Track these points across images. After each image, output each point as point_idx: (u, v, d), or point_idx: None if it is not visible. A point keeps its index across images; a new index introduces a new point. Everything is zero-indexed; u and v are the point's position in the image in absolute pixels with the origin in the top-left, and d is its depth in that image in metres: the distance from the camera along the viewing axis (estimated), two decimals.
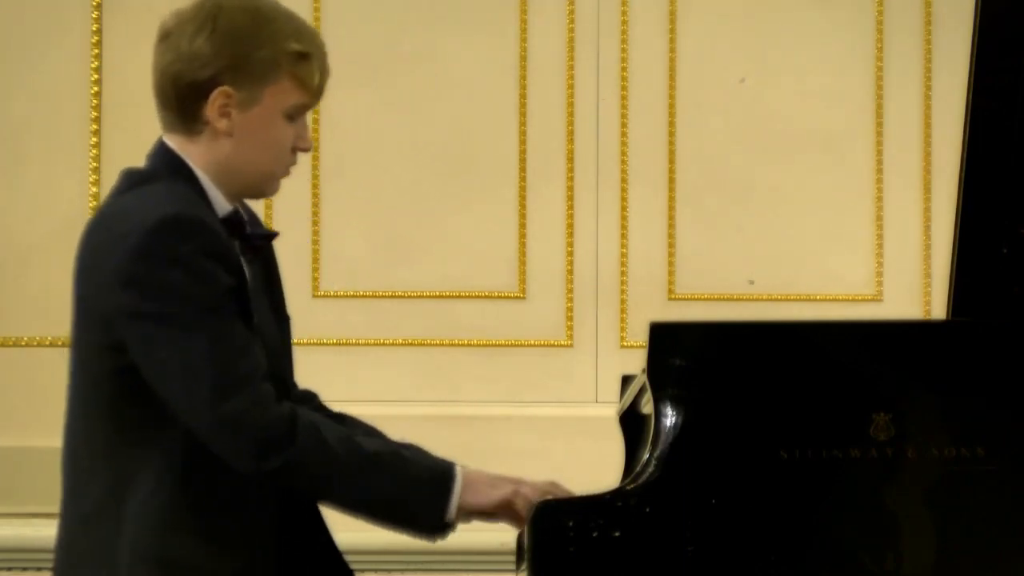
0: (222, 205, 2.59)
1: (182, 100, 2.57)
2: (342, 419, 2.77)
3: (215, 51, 2.54)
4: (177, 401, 2.45)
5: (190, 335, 2.44)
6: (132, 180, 2.59)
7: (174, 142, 2.59)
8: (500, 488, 2.60)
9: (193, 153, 2.58)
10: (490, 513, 2.60)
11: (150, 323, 2.44)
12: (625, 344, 5.96)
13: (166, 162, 2.58)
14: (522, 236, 5.98)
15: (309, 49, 2.60)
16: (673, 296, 6.03)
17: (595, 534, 2.56)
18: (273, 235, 2.72)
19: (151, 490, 2.48)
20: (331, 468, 2.50)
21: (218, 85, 2.54)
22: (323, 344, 5.83)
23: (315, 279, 5.91)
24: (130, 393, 2.48)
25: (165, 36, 2.58)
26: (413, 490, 2.54)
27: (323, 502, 2.60)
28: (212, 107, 2.55)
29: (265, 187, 2.65)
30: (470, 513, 2.58)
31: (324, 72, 2.64)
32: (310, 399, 2.81)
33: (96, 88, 5.78)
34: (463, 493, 2.56)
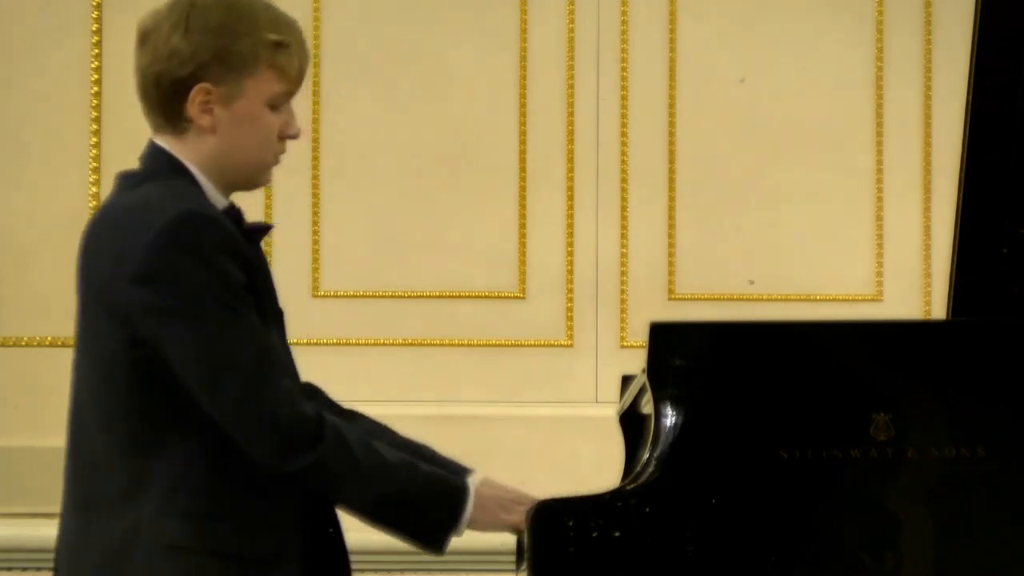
0: (218, 200, 2.60)
1: (165, 100, 2.57)
2: (352, 416, 2.78)
3: (192, 48, 2.55)
4: (204, 399, 2.46)
5: (212, 332, 2.44)
6: (130, 181, 2.59)
7: (164, 142, 2.60)
8: (512, 514, 2.61)
9: (183, 151, 2.58)
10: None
11: (171, 320, 2.44)
12: (625, 344, 5.96)
13: (160, 161, 2.58)
14: (522, 236, 5.99)
15: (286, 38, 2.60)
16: (673, 296, 6.03)
17: (595, 534, 2.56)
18: (269, 227, 2.72)
19: (176, 479, 2.48)
20: (351, 473, 2.52)
21: (198, 82, 2.55)
22: (323, 344, 5.83)
23: (315, 279, 5.91)
24: (149, 385, 2.48)
25: (144, 38, 2.59)
26: (424, 506, 2.56)
27: (336, 503, 2.61)
28: (193, 104, 2.56)
29: (257, 178, 2.65)
30: (475, 527, 2.59)
31: (303, 59, 2.64)
32: (314, 394, 2.81)
33: (96, 88, 5.78)
34: (473, 512, 2.57)
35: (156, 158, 2.59)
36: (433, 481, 2.58)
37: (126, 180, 2.60)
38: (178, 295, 2.44)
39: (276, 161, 2.65)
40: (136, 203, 2.53)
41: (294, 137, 2.65)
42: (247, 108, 2.58)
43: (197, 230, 2.47)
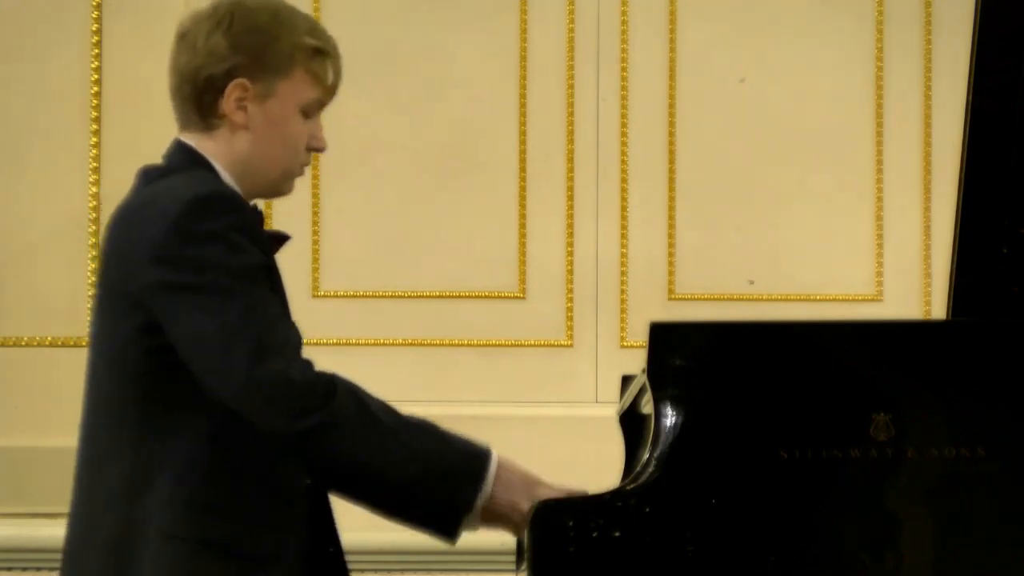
0: None
1: (200, 95, 2.59)
2: None
3: (232, 46, 2.57)
4: (211, 368, 2.43)
5: (226, 302, 2.43)
6: (151, 175, 2.60)
7: (191, 139, 2.61)
8: (544, 490, 2.57)
9: (211, 149, 2.60)
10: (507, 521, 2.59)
11: (185, 293, 2.44)
12: (625, 344, 5.96)
13: (184, 156, 2.60)
14: (522, 236, 5.98)
15: (324, 46, 2.64)
16: (673, 296, 6.03)
17: (595, 534, 2.56)
18: (286, 238, 2.73)
19: (181, 472, 2.48)
20: (368, 430, 2.48)
21: (235, 79, 2.56)
22: (323, 344, 5.82)
23: (315, 279, 5.91)
24: (159, 375, 2.48)
25: (182, 36, 2.62)
26: (449, 461, 2.51)
27: (348, 475, 2.53)
28: (229, 100, 2.58)
29: (280, 185, 2.67)
30: (490, 510, 2.55)
31: (338, 72, 2.68)
32: None
33: (96, 88, 5.78)
34: (496, 482, 2.53)
35: (180, 153, 2.61)
36: (456, 436, 2.55)
37: (147, 175, 2.61)
38: (194, 271, 2.45)
39: (300, 172, 2.68)
40: (154, 195, 2.54)
41: (320, 150, 2.68)
42: (279, 109, 2.60)
43: (216, 210, 2.48)
